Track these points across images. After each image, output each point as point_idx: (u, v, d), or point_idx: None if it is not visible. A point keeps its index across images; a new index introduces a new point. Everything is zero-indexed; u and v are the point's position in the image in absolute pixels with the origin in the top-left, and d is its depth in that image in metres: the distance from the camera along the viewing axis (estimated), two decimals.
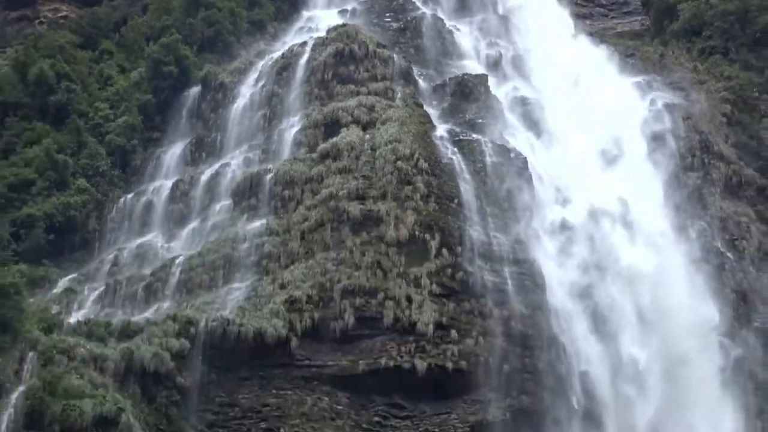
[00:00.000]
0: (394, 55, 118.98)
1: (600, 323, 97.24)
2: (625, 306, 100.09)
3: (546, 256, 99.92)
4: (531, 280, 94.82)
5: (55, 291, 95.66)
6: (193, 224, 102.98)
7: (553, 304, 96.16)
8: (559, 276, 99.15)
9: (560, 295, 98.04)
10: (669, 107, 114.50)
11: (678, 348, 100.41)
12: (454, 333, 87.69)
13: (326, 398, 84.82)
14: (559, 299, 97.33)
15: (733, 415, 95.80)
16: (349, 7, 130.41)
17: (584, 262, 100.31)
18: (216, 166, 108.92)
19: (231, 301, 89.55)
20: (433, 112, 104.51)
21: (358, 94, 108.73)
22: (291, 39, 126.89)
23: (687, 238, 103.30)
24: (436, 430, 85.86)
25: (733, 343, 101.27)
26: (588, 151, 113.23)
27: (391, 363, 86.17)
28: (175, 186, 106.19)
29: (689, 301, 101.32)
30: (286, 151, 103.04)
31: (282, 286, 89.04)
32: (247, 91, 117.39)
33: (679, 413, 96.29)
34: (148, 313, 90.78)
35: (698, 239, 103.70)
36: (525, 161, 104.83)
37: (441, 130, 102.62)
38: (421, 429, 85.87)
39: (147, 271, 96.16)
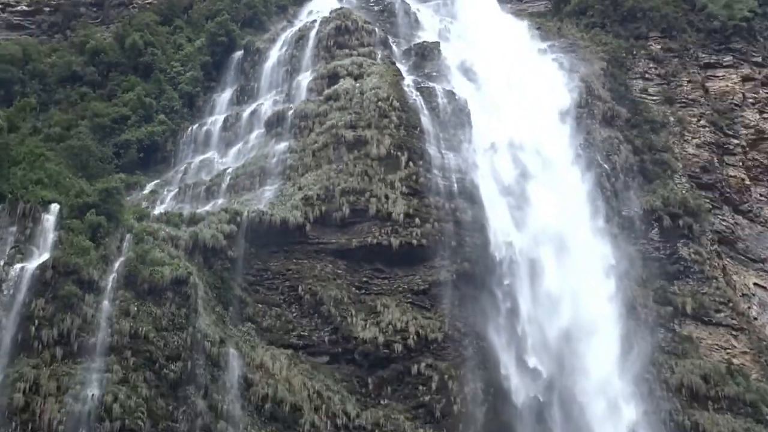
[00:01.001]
0: (376, 29, 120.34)
1: (517, 212, 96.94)
2: (535, 195, 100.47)
3: (481, 168, 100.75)
4: (470, 184, 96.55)
5: (143, 192, 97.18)
6: (238, 146, 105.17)
7: (485, 201, 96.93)
8: (489, 182, 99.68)
9: (490, 194, 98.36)
10: (564, 65, 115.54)
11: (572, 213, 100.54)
12: (417, 220, 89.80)
13: (330, 265, 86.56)
14: (489, 198, 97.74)
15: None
16: None
17: (507, 172, 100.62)
18: (253, 105, 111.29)
19: (264, 198, 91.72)
20: (402, 68, 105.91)
21: (351, 55, 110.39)
22: (305, 18, 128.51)
23: (577, 153, 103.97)
24: (405, 286, 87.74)
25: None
26: (510, 95, 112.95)
27: (375, 240, 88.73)
28: (225, 120, 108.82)
29: (579, 191, 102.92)
30: (301, 96, 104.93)
31: (299, 188, 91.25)
32: (275, 54, 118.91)
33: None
34: (208, 207, 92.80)
35: (585, 155, 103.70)
36: (465, 102, 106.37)
37: (408, 80, 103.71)
38: (394, 286, 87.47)
39: (207, 177, 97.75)
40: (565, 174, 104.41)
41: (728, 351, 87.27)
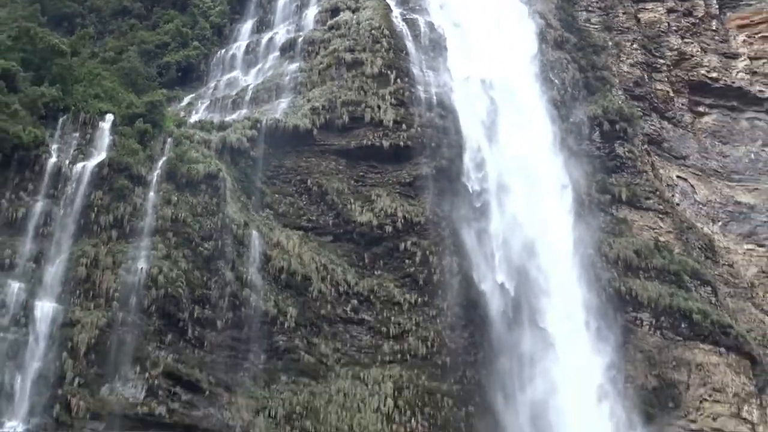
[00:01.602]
0: None
1: (490, 131, 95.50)
2: (504, 120, 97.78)
3: (456, 93, 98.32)
4: (447, 98, 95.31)
5: (181, 104, 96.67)
6: (258, 66, 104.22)
7: (459, 112, 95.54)
8: (464, 105, 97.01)
9: (466, 115, 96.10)
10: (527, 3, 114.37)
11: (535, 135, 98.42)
12: (404, 126, 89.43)
13: (333, 162, 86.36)
14: (466, 118, 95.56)
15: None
16: None
17: (480, 103, 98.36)
18: (270, 34, 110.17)
19: (279, 109, 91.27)
20: (391, 3, 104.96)
21: None
22: None
23: (536, 73, 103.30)
24: (394, 179, 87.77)
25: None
26: (484, 30, 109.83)
27: (369, 142, 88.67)
28: (247, 46, 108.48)
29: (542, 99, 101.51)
30: (309, 26, 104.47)
31: (308, 100, 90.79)
32: None
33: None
34: (234, 116, 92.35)
35: (541, 74, 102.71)
36: (443, 31, 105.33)
37: (396, 12, 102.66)
38: (385, 179, 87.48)
39: (232, 92, 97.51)
40: (528, 88, 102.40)
41: (656, 231, 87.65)
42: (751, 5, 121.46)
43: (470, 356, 77.35)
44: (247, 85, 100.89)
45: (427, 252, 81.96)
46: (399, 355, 76.22)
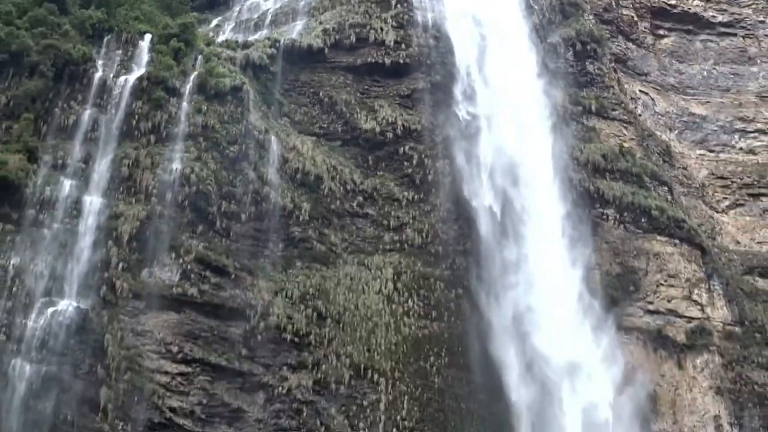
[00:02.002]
0: None
1: (480, 63, 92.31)
2: (492, 52, 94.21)
3: (449, 22, 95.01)
4: (442, 25, 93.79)
5: (210, 26, 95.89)
6: None
7: (452, 35, 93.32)
8: (457, 34, 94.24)
9: (458, 44, 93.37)
10: None
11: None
12: (403, 45, 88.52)
13: (342, 77, 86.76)
14: (458, 46, 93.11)
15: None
16: None
17: (473, 31, 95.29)
18: None
19: (296, 30, 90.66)
20: None
21: None
22: None
23: (519, 1, 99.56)
24: (395, 92, 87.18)
25: None
26: None
27: (373, 60, 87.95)
28: None
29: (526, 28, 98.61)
30: None
31: (320, 23, 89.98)
32: None
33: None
34: (256, 36, 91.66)
35: (524, 1, 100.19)
36: None
37: None
38: (387, 92, 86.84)
39: (255, 16, 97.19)
40: (514, 27, 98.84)
41: (620, 138, 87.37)
42: None
43: (459, 245, 77.54)
44: (267, 9, 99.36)
45: (423, 155, 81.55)
46: (398, 245, 76.41)
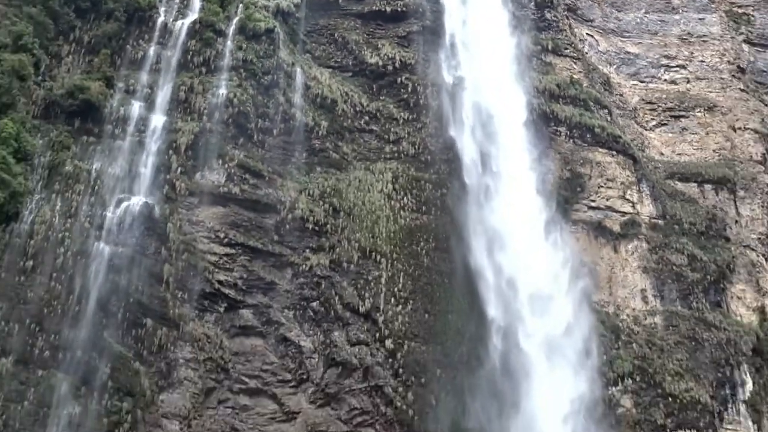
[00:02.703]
0: None
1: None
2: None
3: None
4: None
5: None
6: None
7: None
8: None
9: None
10: None
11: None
12: None
13: (352, 22, 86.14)
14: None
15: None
16: None
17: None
18: None
19: None
20: None
21: None
22: None
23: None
24: (394, 33, 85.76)
25: None
26: None
27: (377, 8, 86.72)
28: None
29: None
30: None
31: None
32: None
33: None
34: None
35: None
36: None
37: None
38: (387, 33, 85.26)
39: None
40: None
41: (571, 71, 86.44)
42: None
43: (444, 155, 76.97)
44: None
45: (416, 84, 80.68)
46: (396, 154, 76.09)
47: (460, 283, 70.22)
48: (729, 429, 69.83)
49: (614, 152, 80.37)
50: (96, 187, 62.67)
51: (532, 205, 75.17)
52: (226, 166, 68.41)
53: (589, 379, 67.67)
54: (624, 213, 77.55)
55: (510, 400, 65.39)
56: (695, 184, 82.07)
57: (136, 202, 63.36)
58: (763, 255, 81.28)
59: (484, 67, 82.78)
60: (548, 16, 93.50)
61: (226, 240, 66.04)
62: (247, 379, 62.92)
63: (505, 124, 78.85)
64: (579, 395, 66.52)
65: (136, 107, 68.42)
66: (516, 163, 77.22)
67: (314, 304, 66.64)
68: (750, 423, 71.02)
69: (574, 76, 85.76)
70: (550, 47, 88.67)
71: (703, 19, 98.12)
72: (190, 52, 73.38)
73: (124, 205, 62.97)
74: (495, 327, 67.99)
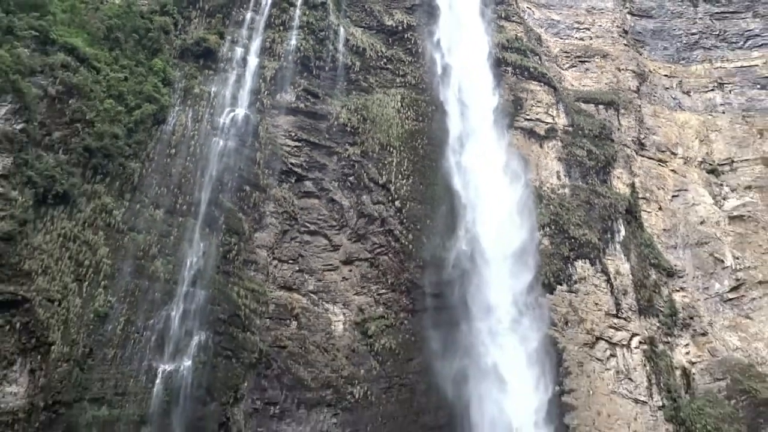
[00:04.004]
0: None
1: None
2: None
3: None
4: None
5: None
6: None
7: None
8: None
9: None
10: None
11: None
12: None
13: None
14: None
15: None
16: None
17: None
18: None
19: None
20: None
21: None
22: None
23: None
24: (403, 5, 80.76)
25: None
26: None
27: None
28: None
29: None
30: None
31: None
32: None
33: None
34: None
35: None
36: None
37: None
38: (399, 5, 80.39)
39: None
40: None
41: (515, 31, 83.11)
42: None
43: (433, 84, 75.19)
44: None
45: (417, 39, 77.50)
46: (403, 83, 73.79)
47: (441, 166, 69.77)
48: (609, 258, 70.51)
49: (542, 83, 79.22)
50: (213, 103, 62.70)
51: (490, 117, 74.14)
52: (295, 90, 67.73)
53: (527, 228, 68.35)
54: (547, 123, 76.80)
55: (471, 228, 66.25)
56: (593, 105, 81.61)
57: (239, 112, 63.08)
58: (634, 150, 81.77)
59: (461, 28, 79.77)
60: None
61: (295, 137, 65.85)
62: (308, 225, 63.76)
63: (474, 65, 76.91)
64: (520, 238, 67.12)
65: (238, 52, 67.42)
66: (481, 89, 75.64)
67: (351, 178, 66.76)
68: (622, 255, 71.71)
69: (518, 34, 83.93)
70: (503, 15, 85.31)
71: None
72: (273, 16, 71.59)
73: (231, 114, 62.69)
74: (462, 200, 67.75)
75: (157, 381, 45.66)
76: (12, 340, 40.19)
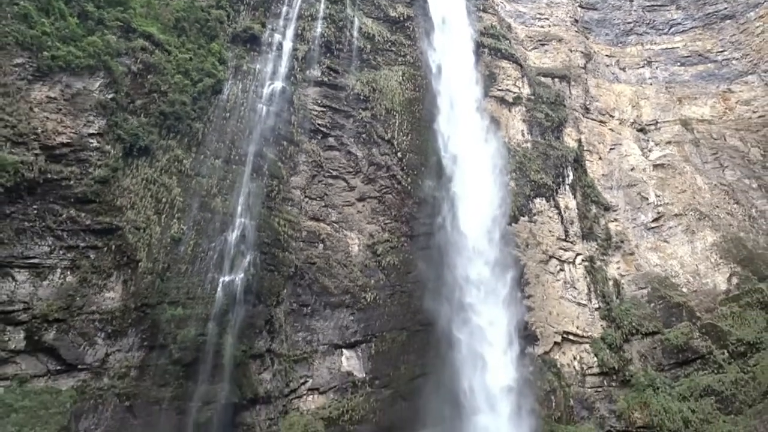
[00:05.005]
0: None
1: None
2: None
3: None
4: None
5: None
6: None
7: None
8: None
9: None
10: None
11: None
12: None
13: None
14: None
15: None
16: None
17: None
18: None
19: None
20: None
21: None
22: None
23: None
24: (405, 1, 77.59)
25: None
26: None
27: None
28: None
29: None
30: None
31: None
32: None
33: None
34: None
35: None
36: None
37: None
38: (401, 0, 77.38)
39: None
40: None
41: (492, 21, 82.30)
42: None
43: (427, 63, 73.23)
44: None
45: (414, 26, 75.43)
46: (404, 62, 72.57)
47: (433, 125, 68.88)
48: (560, 197, 70.78)
49: (511, 62, 78.03)
50: (258, 77, 61.95)
51: (471, 89, 73.21)
52: (321, 67, 66.82)
53: (497, 173, 67.99)
54: (514, 93, 75.92)
55: (456, 169, 65.23)
56: (550, 78, 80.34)
57: (278, 85, 62.04)
58: (581, 114, 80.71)
59: (449, 20, 77.41)
60: None
61: (321, 104, 65.09)
62: (331, 171, 63.33)
63: (460, 47, 75.60)
64: (496, 190, 66.78)
65: (276, 37, 65.98)
66: (464, 67, 74.47)
67: (363, 135, 66.04)
68: (570, 194, 71.93)
69: (493, 23, 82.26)
70: (481, 8, 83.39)
71: None
72: (302, 9, 69.56)
73: (272, 86, 61.74)
74: (449, 152, 66.78)
75: (219, 289, 46.43)
76: (109, 259, 41.54)
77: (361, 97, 67.71)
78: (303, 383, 47.55)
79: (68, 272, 38.23)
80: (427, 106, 70.29)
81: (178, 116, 53.47)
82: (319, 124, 64.46)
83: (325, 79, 66.73)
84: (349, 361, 53.01)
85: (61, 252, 38.26)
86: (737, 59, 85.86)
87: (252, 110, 59.39)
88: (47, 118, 42.35)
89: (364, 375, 52.26)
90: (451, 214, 63.01)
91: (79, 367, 36.81)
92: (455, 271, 59.21)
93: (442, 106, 70.54)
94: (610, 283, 66.63)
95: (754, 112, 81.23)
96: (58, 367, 36.13)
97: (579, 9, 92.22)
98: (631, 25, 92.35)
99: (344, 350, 53.97)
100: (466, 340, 53.96)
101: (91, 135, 42.31)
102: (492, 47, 78.67)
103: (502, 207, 65.90)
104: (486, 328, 55.27)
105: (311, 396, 47.90)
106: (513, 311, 58.08)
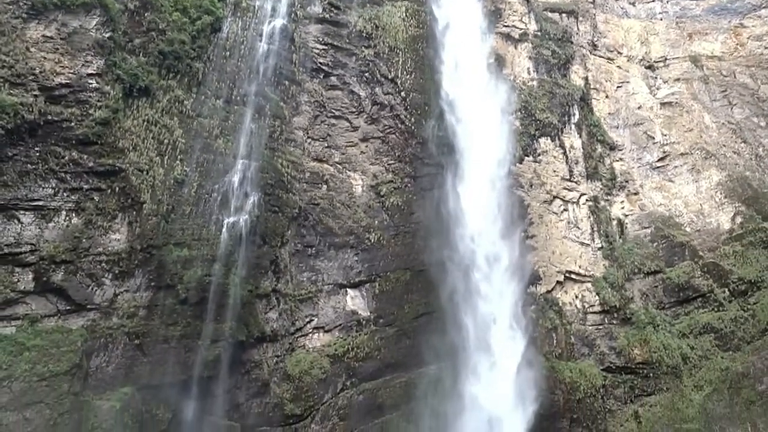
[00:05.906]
0: None
1: None
2: None
3: None
4: None
5: None
6: None
7: None
8: None
9: None
10: None
11: None
12: None
13: None
14: None
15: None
16: None
17: None
18: None
19: None
20: None
21: None
22: None
23: None
24: None
25: None
26: None
27: None
28: None
29: None
30: None
31: None
32: None
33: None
34: None
35: None
36: None
37: None
38: None
39: None
40: None
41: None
42: None
43: (431, 8, 71.53)
44: None
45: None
46: None
47: (436, 59, 67.51)
48: (565, 136, 70.65)
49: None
50: (258, 14, 60.82)
51: (477, 22, 72.03)
52: (322, 3, 65.06)
53: (503, 110, 67.40)
54: (520, 29, 74.37)
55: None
56: (557, 14, 78.13)
57: (278, 22, 60.80)
58: (588, 50, 79.06)
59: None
60: None
61: (322, 41, 63.81)
62: (334, 111, 62.90)
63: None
64: (497, 119, 65.89)
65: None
66: (469, 2, 72.92)
67: (366, 73, 65.07)
68: (576, 133, 71.87)
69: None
70: None
71: None
72: None
73: (272, 23, 60.56)
74: (446, 99, 65.16)
75: (224, 230, 47.05)
76: (113, 200, 41.20)
77: (364, 35, 65.98)
78: (308, 322, 47.80)
79: (73, 214, 38.24)
80: (432, 44, 68.59)
81: (178, 55, 52.35)
82: (321, 63, 63.17)
83: (327, 15, 64.88)
84: (354, 301, 53.73)
85: (65, 194, 38.22)
86: None
87: (253, 48, 58.24)
88: (45, 57, 42.09)
89: (369, 314, 53.19)
90: (452, 152, 62.60)
91: (89, 307, 37.02)
92: (453, 206, 59.61)
93: (447, 44, 68.55)
94: (614, 222, 66.76)
95: (767, 48, 79.13)
96: (68, 307, 36.39)
97: None
98: None
99: (349, 290, 54.64)
100: (468, 278, 54.82)
101: (89, 75, 41.42)
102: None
103: (504, 145, 65.55)
104: (486, 264, 56.04)
105: (317, 334, 48.62)
106: (515, 250, 58.26)
